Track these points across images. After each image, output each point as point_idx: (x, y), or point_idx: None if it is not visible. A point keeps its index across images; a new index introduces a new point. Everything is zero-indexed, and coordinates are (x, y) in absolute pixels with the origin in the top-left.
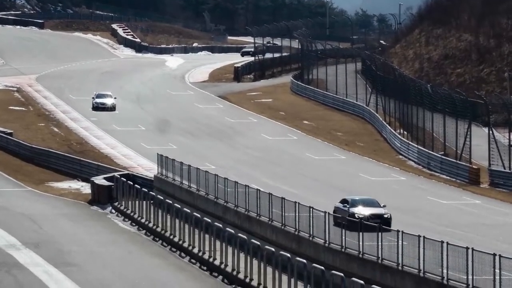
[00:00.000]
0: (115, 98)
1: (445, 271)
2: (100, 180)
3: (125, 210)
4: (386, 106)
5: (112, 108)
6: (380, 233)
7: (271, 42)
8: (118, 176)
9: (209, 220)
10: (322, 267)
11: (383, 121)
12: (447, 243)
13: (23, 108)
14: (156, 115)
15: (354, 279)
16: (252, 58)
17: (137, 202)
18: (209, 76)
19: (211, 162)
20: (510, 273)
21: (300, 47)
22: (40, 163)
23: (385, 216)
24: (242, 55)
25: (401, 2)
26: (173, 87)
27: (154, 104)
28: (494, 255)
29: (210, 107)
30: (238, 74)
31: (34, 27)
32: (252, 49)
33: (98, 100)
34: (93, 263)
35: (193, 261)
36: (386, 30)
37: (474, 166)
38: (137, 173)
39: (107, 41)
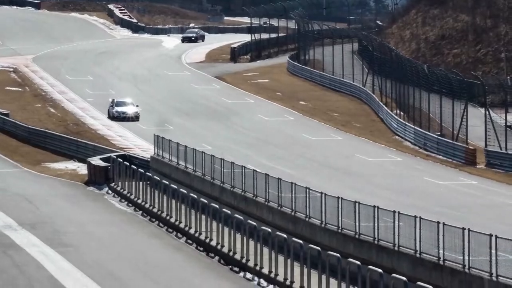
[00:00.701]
0: (137, 106)
1: (441, 251)
2: (96, 160)
3: (121, 190)
4: (383, 86)
5: (135, 118)
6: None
7: (268, 22)
8: (115, 156)
9: (206, 201)
10: (319, 248)
11: (380, 102)
12: (443, 224)
13: (20, 89)
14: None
15: (350, 259)
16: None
17: (133, 183)
18: (206, 57)
19: (207, 143)
20: (506, 253)
21: (296, 27)
22: (37, 144)
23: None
24: (183, 40)
25: None
26: (170, 68)
27: (150, 84)
28: (490, 235)
29: (206, 88)
30: (235, 54)
31: (30, 7)
32: (195, 34)
33: (118, 109)
34: (89, 244)
35: (190, 241)
36: (382, 11)
37: (470, 147)
38: (133, 153)
39: (104, 21)
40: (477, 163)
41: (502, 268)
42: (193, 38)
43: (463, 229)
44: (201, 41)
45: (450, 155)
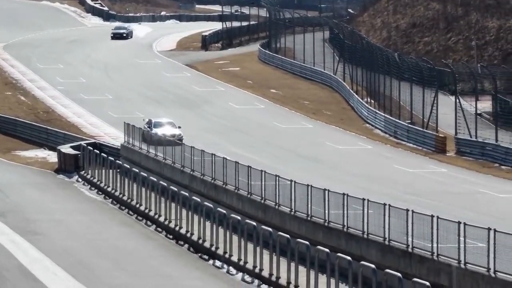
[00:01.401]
0: (179, 127)
1: (410, 239)
2: (66, 148)
3: (91, 178)
4: (354, 74)
5: (178, 142)
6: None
7: (239, 10)
8: (85, 144)
9: (176, 189)
10: (288, 236)
11: (350, 90)
12: (412, 211)
13: None
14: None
15: (319, 247)
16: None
17: (103, 170)
18: (177, 45)
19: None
20: (474, 241)
21: (268, 15)
22: (7, 132)
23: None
24: (113, 37)
25: None
26: (141, 56)
27: (121, 72)
28: (459, 223)
29: (177, 76)
30: (206, 42)
31: None
32: (125, 30)
33: (158, 131)
34: (59, 232)
35: (159, 229)
36: None
37: (440, 135)
38: (104, 141)
39: (75, 9)
40: (447, 151)
41: (470, 256)
42: (124, 35)
43: (432, 216)
44: (130, 37)
45: (420, 143)
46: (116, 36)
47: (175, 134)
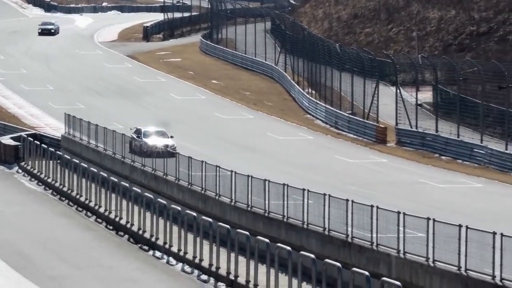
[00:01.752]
0: (171, 136)
1: (350, 229)
2: (6, 139)
3: (32, 169)
4: (295, 65)
5: (171, 154)
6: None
7: (181, 1)
8: (25, 135)
9: (116, 180)
10: (228, 226)
11: (292, 81)
12: (352, 202)
13: None
14: (65, 77)
15: (259, 237)
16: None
17: (44, 161)
18: (118, 36)
19: (118, 122)
20: (414, 231)
21: (209, 6)
22: None
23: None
24: (40, 33)
25: None
26: (82, 47)
27: (62, 63)
28: (398, 213)
29: (118, 67)
30: (147, 33)
31: None
32: (53, 26)
33: (148, 141)
34: None
35: (99, 220)
36: None
37: (381, 125)
38: (44, 132)
39: (16, 0)
40: (387, 141)
41: (410, 245)
42: (52, 31)
43: (372, 206)
44: (57, 33)
45: (361, 134)
46: (44, 32)
47: (168, 144)
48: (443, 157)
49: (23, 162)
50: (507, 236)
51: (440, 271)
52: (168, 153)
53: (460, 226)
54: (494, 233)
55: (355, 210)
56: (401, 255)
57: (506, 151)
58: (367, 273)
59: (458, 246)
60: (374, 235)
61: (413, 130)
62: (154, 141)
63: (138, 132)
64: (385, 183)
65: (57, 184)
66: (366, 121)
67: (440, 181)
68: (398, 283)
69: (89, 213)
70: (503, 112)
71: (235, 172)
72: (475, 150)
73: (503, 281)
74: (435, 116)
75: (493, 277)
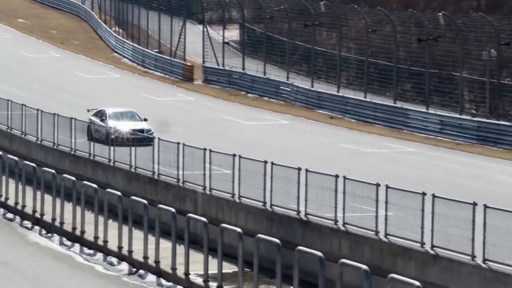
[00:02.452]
0: (145, 119)
1: (156, 166)
2: None
3: None
4: (102, 4)
5: (150, 140)
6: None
7: None
8: None
9: None
10: (34, 164)
11: (99, 19)
12: (159, 139)
13: None
14: None
15: (65, 175)
16: None
17: None
18: None
19: None
20: (220, 167)
21: None
22: None
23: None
24: None
25: None
26: None
27: None
28: (205, 150)
29: None
30: None
31: None
32: None
33: (117, 125)
34: None
35: None
36: None
37: (188, 63)
38: None
39: None
40: (194, 79)
41: (215, 182)
42: None
43: (178, 143)
44: None
45: (168, 72)
46: None
47: (144, 128)
48: (249, 95)
49: None
50: (312, 172)
51: (246, 207)
52: (144, 140)
53: (265, 162)
54: (299, 169)
55: (162, 147)
56: (207, 192)
57: (311, 88)
58: (173, 209)
59: (263, 182)
60: (181, 172)
61: (220, 68)
62: (125, 125)
63: (100, 114)
64: (192, 120)
65: None
66: (173, 59)
67: (246, 118)
68: (204, 219)
69: None
70: (309, 49)
71: (41, 111)
72: (281, 87)
73: (307, 216)
74: (242, 54)
75: (298, 212)
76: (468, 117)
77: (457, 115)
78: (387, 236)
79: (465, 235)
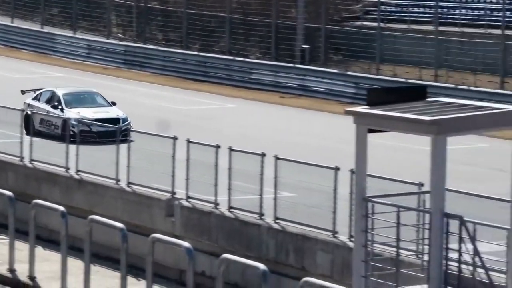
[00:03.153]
0: (114, 103)
1: None
2: None
3: None
4: None
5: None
6: None
7: None
8: None
9: None
10: None
11: None
12: None
13: None
14: None
15: None
16: None
17: None
18: None
19: None
20: None
21: None
22: None
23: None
24: None
25: None
26: None
27: None
28: None
29: None
30: None
31: None
32: None
33: (80, 113)
34: None
35: None
36: None
37: None
38: None
39: None
40: None
41: None
42: None
43: None
44: None
45: None
46: None
47: (119, 117)
48: None
49: None
50: None
51: None
52: (120, 134)
53: None
54: None
55: None
56: None
57: None
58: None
59: None
60: None
61: None
62: (90, 113)
63: (51, 98)
64: None
65: None
66: None
67: None
68: None
69: None
70: None
71: None
72: None
73: None
74: None
75: None
76: (116, 41)
77: (105, 40)
78: (32, 162)
79: (111, 160)
